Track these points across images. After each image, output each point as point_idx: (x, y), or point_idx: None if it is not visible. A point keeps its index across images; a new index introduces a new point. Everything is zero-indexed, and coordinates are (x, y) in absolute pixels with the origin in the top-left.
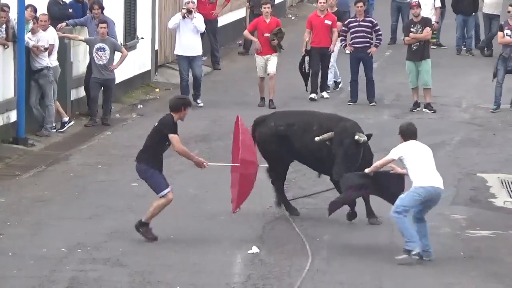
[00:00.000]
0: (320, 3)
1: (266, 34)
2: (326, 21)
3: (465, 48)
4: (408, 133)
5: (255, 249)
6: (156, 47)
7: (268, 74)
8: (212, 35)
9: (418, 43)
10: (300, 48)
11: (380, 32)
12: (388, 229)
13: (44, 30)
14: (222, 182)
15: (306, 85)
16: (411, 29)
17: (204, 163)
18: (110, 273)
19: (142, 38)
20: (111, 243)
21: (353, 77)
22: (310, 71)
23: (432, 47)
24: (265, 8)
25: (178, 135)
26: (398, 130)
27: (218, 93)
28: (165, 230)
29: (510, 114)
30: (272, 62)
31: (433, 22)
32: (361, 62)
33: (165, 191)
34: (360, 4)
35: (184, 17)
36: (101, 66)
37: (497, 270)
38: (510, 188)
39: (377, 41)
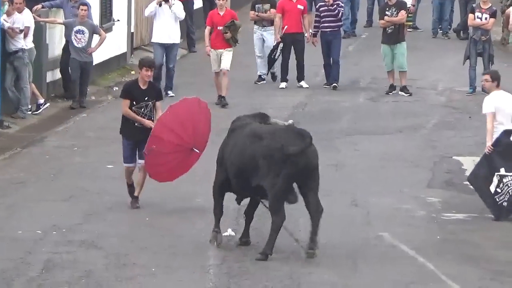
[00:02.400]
0: None
1: (220, 27)
2: (299, 6)
3: (441, 31)
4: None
5: (230, 232)
6: (132, 30)
7: (221, 70)
8: (188, 17)
9: (393, 26)
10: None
11: (341, 8)
12: (363, 211)
13: (20, 12)
14: (197, 165)
15: (268, 70)
16: (386, 12)
17: (150, 124)
18: (85, 255)
19: (118, 20)
20: (87, 225)
21: (326, 61)
22: (281, 58)
23: (408, 30)
24: (219, 0)
25: (127, 98)
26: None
27: (194, 76)
28: (140, 212)
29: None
30: (226, 57)
31: (409, 5)
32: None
33: (124, 164)
34: None
35: (160, 5)
36: (79, 49)
37: (472, 252)
38: None
39: (337, 11)
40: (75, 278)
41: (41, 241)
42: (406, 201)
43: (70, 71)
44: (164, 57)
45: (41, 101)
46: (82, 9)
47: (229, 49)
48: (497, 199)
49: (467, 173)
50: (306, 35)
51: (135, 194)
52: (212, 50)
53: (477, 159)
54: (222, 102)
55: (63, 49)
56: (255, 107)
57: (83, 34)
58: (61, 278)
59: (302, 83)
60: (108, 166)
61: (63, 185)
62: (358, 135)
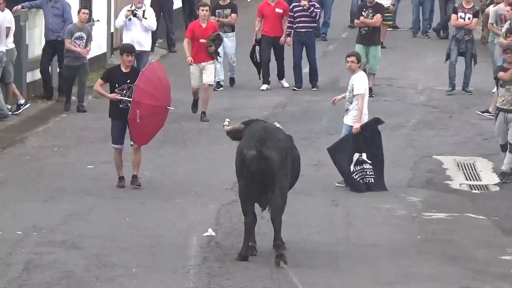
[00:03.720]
0: None
1: (202, 40)
2: (277, 10)
3: (421, 30)
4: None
5: (211, 232)
6: (112, 30)
7: (203, 84)
8: (168, 17)
9: (366, 28)
10: (250, 35)
11: (317, 10)
12: (344, 211)
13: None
14: (178, 164)
15: (259, 73)
16: (362, 13)
17: (116, 96)
18: (66, 256)
19: (98, 20)
20: (67, 225)
21: (296, 62)
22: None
23: (388, 29)
24: (202, 11)
25: (103, 80)
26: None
27: (174, 76)
28: (121, 212)
29: (466, 97)
30: (209, 71)
31: (389, 4)
32: (304, 47)
33: (112, 146)
34: None
35: (129, 19)
36: (76, 54)
37: (453, 252)
38: (466, 171)
39: (315, 13)
40: (55, 278)
41: (22, 242)
42: (386, 200)
43: (64, 79)
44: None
45: (22, 101)
46: (83, 13)
47: (211, 61)
48: (355, 176)
49: (448, 173)
50: (281, 38)
51: (134, 173)
52: (194, 65)
53: (458, 158)
54: (202, 118)
55: (43, 50)
56: (236, 107)
57: (82, 40)
58: (41, 279)
59: (283, 81)
60: (89, 167)
61: (43, 186)
62: (338, 135)
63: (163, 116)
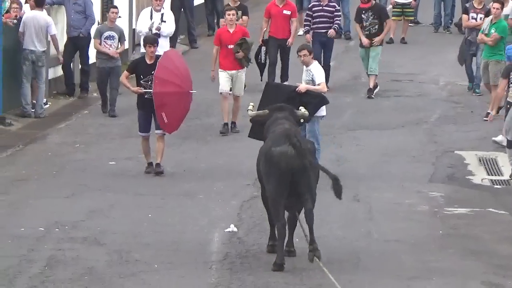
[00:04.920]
0: None
1: (230, 46)
2: (285, 11)
3: (442, 26)
4: None
5: (233, 228)
6: (134, 26)
7: (233, 94)
8: (189, 13)
9: (368, 32)
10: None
11: (338, 18)
12: (365, 206)
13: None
14: (200, 160)
15: (261, 75)
16: (362, 16)
17: (139, 90)
18: (88, 252)
19: (119, 16)
20: (89, 221)
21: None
22: (267, 62)
23: (410, 24)
24: (228, 15)
25: (129, 72)
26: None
27: (195, 72)
28: (143, 208)
29: (487, 92)
30: (239, 81)
31: (410, 0)
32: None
33: (139, 134)
34: None
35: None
36: (109, 55)
37: (475, 247)
38: (488, 166)
39: (335, 25)
40: (78, 275)
41: (44, 238)
42: (408, 195)
43: (97, 82)
44: None
45: (44, 100)
46: (112, 12)
47: (241, 70)
48: None
49: (470, 168)
50: (289, 40)
51: (157, 161)
52: (222, 70)
53: (480, 153)
54: (233, 129)
55: (64, 46)
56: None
57: (113, 40)
58: (64, 275)
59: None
60: (110, 163)
61: (65, 182)
62: (360, 130)
63: (188, 100)
